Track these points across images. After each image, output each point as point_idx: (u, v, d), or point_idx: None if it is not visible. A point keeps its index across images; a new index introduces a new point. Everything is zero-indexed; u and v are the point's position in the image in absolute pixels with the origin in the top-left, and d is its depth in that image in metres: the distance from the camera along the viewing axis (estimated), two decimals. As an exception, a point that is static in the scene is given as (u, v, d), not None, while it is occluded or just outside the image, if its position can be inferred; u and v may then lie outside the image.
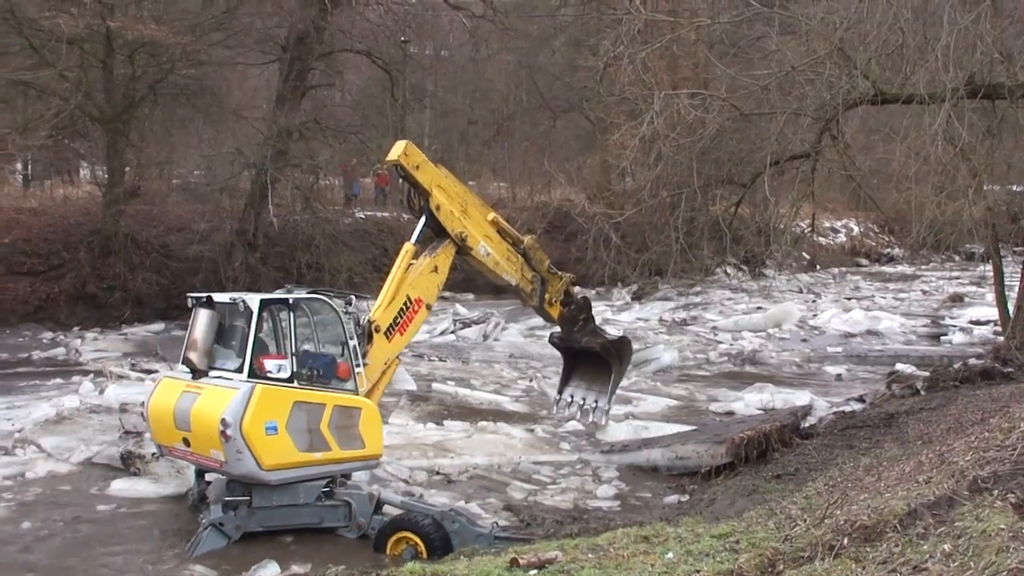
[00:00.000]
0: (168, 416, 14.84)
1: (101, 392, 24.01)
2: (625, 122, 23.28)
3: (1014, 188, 28.64)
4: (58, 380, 26.59)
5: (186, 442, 14.67)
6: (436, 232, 17.19)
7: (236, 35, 39.10)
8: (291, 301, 15.28)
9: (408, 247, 16.85)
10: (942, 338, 35.34)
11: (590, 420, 19.96)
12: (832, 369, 29.75)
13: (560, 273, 19.43)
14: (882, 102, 19.54)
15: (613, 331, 31.85)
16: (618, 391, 22.71)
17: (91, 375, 26.47)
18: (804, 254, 55.69)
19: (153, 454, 17.74)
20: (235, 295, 15.88)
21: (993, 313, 38.45)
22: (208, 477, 15.77)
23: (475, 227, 17.66)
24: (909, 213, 23.75)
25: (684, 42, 30.56)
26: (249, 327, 14.87)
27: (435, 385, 26.55)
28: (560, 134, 56.17)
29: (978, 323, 37.09)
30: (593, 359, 19.69)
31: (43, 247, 36.91)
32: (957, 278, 54.56)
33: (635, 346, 30.04)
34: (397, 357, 16.76)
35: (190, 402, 14.56)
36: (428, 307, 17.06)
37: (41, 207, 41.06)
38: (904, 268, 61.63)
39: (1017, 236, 28.47)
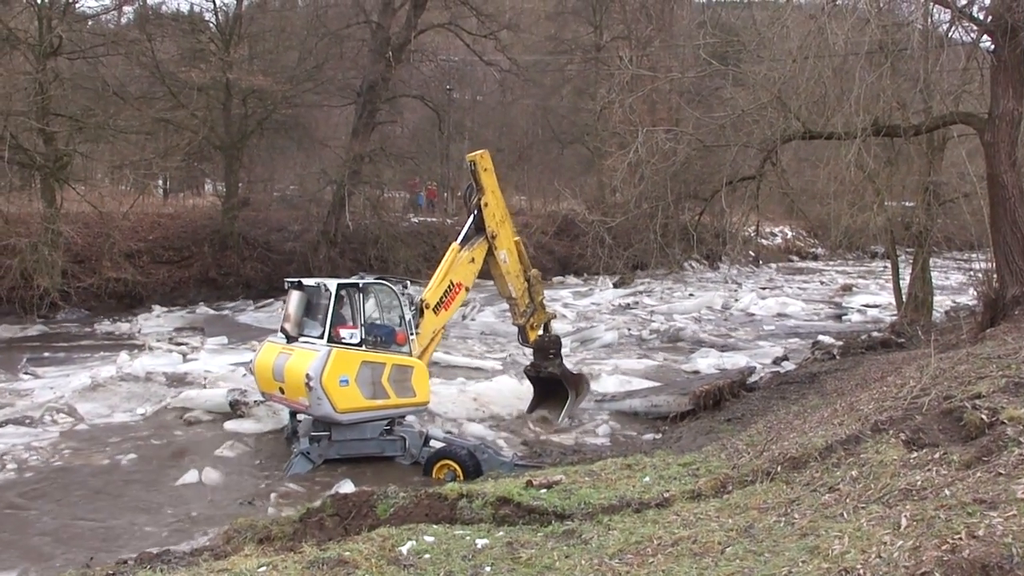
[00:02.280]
0: (269, 371, 15.28)
1: (132, 361, 22.66)
2: (616, 151, 23.16)
3: (907, 204, 28.54)
4: (105, 353, 24.92)
5: (281, 390, 15.10)
6: (477, 228, 17.29)
7: (323, 84, 39.25)
8: (360, 284, 15.47)
9: (454, 246, 17.01)
10: (843, 318, 35.00)
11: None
12: (754, 340, 29.32)
13: (548, 309, 19.57)
14: (810, 138, 19.46)
15: (570, 316, 31.93)
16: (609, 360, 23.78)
17: (136, 349, 25.18)
18: (751, 252, 55.40)
19: (256, 401, 17.91)
20: (319, 280, 16.08)
21: (877, 299, 39.13)
22: (299, 417, 15.97)
23: (505, 237, 17.77)
24: (829, 222, 23.66)
25: (661, 91, 30.47)
26: (329, 304, 15.05)
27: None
28: (567, 160, 56.11)
29: (868, 307, 37.11)
30: (557, 389, 19.05)
31: (177, 243, 37.14)
32: (849, 272, 53.86)
33: (582, 325, 30.03)
34: (443, 327, 16.91)
35: (284, 360, 14.96)
36: (467, 289, 17.19)
37: (176, 213, 41.31)
38: (812, 264, 61.11)
39: (909, 240, 28.32)
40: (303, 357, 14.70)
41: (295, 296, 15.32)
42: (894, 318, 31.07)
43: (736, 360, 24.15)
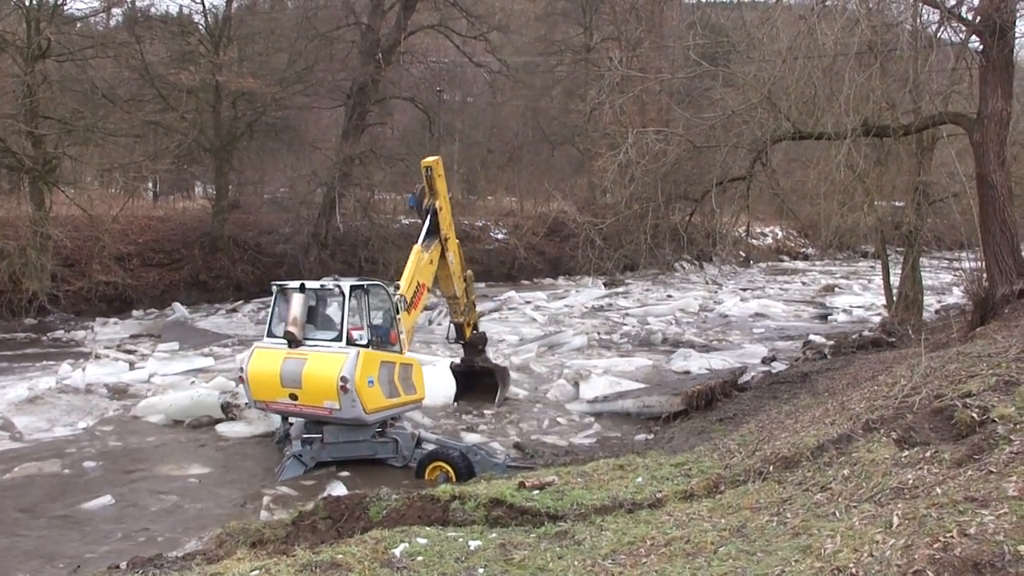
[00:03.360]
0: (273, 377, 14.80)
1: (83, 370, 21.81)
2: (606, 152, 23.21)
3: (897, 203, 28.59)
4: (48, 362, 23.53)
5: (292, 396, 14.69)
6: (429, 231, 17.90)
7: (312, 86, 39.24)
8: (365, 286, 15.51)
9: (417, 248, 17.40)
10: (828, 318, 34.62)
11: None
12: (727, 342, 28.94)
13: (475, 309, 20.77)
14: (800, 138, 19.50)
15: (540, 320, 31.65)
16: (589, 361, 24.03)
17: (82, 357, 24.01)
18: (741, 252, 55.54)
19: (247, 404, 17.90)
20: (325, 282, 16.09)
21: (860, 299, 38.74)
22: (290, 420, 15.92)
23: (452, 240, 18.71)
24: (820, 222, 23.76)
25: (651, 92, 30.51)
26: (343, 306, 15.07)
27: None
28: (557, 161, 56.07)
29: (853, 308, 36.51)
30: (480, 384, 20.29)
31: (167, 245, 37.10)
32: (832, 273, 53.51)
33: (551, 329, 29.85)
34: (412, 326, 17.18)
35: (298, 365, 14.63)
36: (428, 289, 17.85)
37: (166, 215, 41.32)
38: (797, 264, 60.79)
39: (899, 239, 28.38)
40: (326, 360, 14.61)
41: (298, 299, 15.19)
42: (877, 318, 31.24)
43: (711, 363, 24.03)
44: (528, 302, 37.59)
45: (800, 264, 60.81)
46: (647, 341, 28.74)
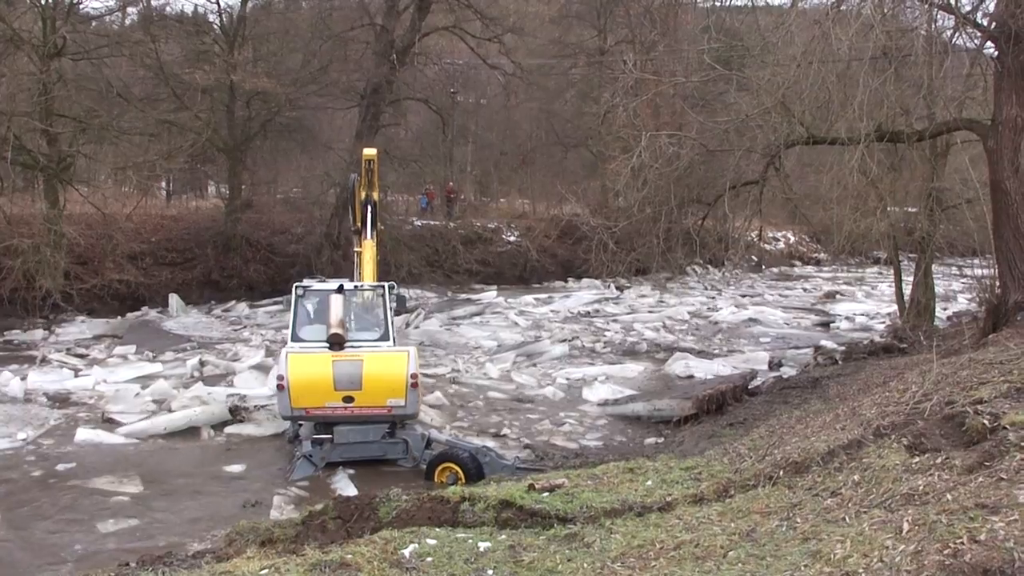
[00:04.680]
0: (322, 381, 14.71)
1: (23, 379, 20.80)
2: (619, 155, 23.22)
3: (910, 209, 28.51)
4: None
5: (347, 399, 14.68)
6: (373, 221, 18.10)
7: (327, 87, 39.17)
8: (389, 287, 15.66)
9: (368, 242, 17.54)
10: (831, 325, 33.65)
11: None
12: (713, 351, 27.74)
13: None
14: (813, 143, 19.50)
15: (522, 324, 31.62)
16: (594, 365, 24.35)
17: (27, 363, 23.22)
18: (753, 257, 55.39)
19: (256, 406, 17.94)
20: (361, 283, 16.23)
21: (862, 307, 38.15)
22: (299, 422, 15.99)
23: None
24: (832, 227, 23.69)
25: (665, 95, 30.43)
26: (385, 305, 15.22)
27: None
28: (570, 163, 55.95)
29: (856, 315, 35.72)
30: None
31: (180, 244, 37.13)
32: (839, 279, 52.64)
33: (532, 335, 29.19)
34: None
35: (355, 367, 14.71)
36: None
37: (179, 215, 41.35)
38: (800, 270, 59.62)
39: (912, 245, 28.31)
40: (387, 359, 14.87)
41: (338, 300, 15.26)
42: (882, 325, 31.10)
43: (706, 370, 23.69)
44: (510, 307, 36.52)
45: (809, 269, 60.35)
46: (631, 350, 27.74)
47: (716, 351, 27.52)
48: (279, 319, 31.02)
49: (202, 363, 23.24)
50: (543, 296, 40.70)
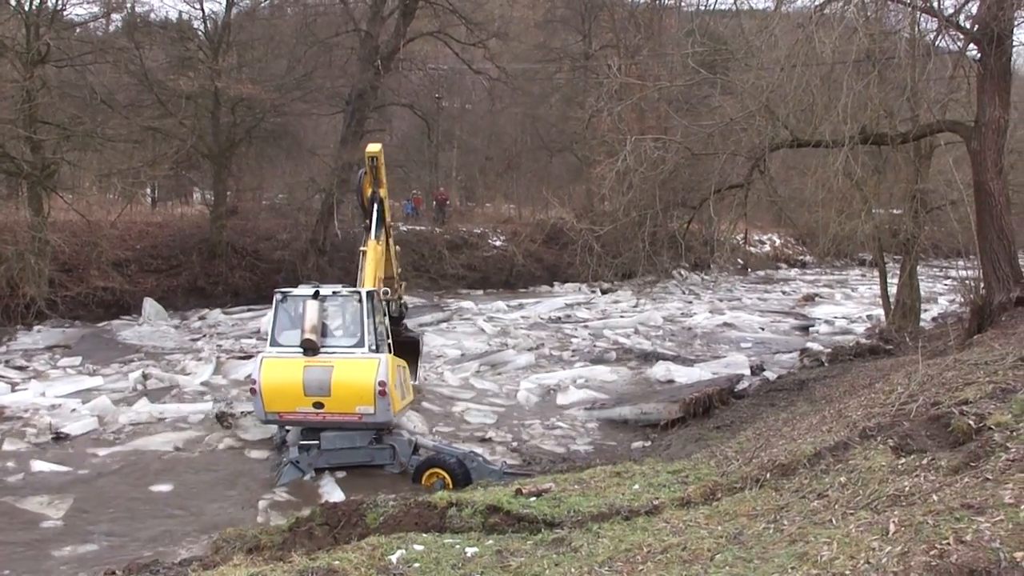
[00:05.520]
0: (292, 387, 14.72)
1: None
2: (604, 159, 23.30)
3: (895, 211, 28.61)
4: None
5: (317, 405, 14.66)
6: (379, 222, 17.93)
7: (311, 92, 39.09)
8: (369, 292, 15.56)
9: (372, 243, 17.25)
10: (810, 329, 33.03)
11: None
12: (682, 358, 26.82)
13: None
14: (798, 146, 19.54)
15: (491, 328, 31.17)
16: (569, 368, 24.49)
17: None
18: (739, 260, 55.53)
19: (242, 412, 17.89)
20: (337, 287, 16.09)
21: (842, 309, 37.89)
22: (287, 427, 15.96)
23: (389, 224, 18.80)
24: (817, 229, 23.80)
25: (649, 99, 30.49)
26: (362, 311, 15.15)
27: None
28: (555, 168, 56.01)
29: (835, 318, 35.12)
30: (403, 350, 19.53)
31: (165, 252, 36.98)
32: (819, 281, 52.25)
33: (498, 342, 28.89)
34: None
35: (325, 373, 14.67)
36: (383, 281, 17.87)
37: (164, 221, 41.14)
38: (782, 273, 59.08)
39: (897, 247, 28.41)
40: (357, 366, 14.75)
41: (313, 305, 15.20)
42: (862, 328, 31.12)
43: (680, 374, 23.47)
44: (479, 314, 35.82)
45: (792, 272, 60.30)
46: (600, 358, 26.88)
47: (694, 356, 27.06)
48: (241, 328, 30.79)
49: (145, 376, 22.28)
50: (515, 303, 39.80)
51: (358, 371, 14.59)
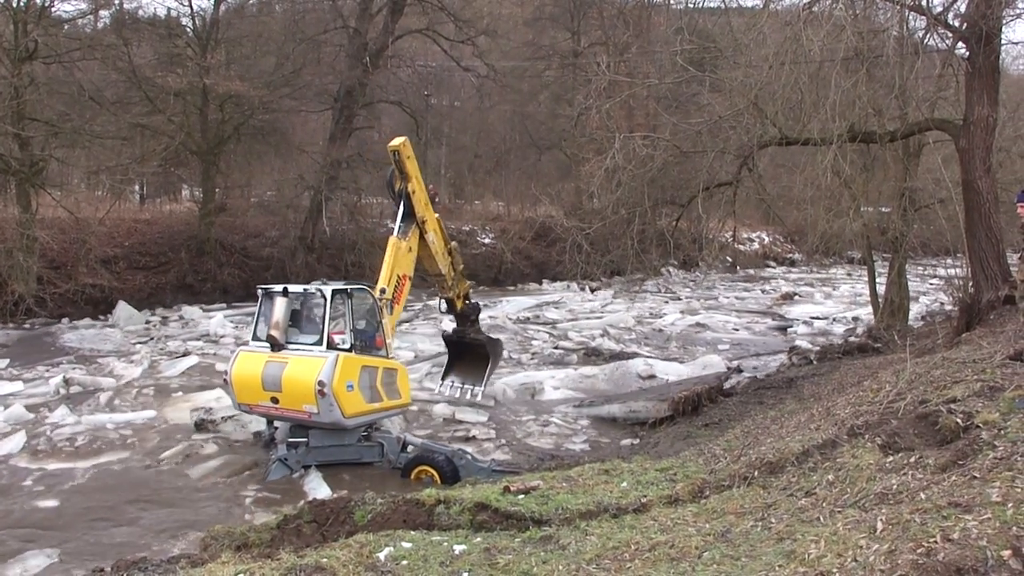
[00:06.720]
0: (255, 381, 14.89)
1: None
2: (593, 157, 23.31)
3: (883, 209, 28.65)
4: None
5: (274, 400, 14.77)
6: (405, 215, 17.23)
7: (300, 89, 39.14)
8: (348, 290, 15.45)
9: (393, 239, 16.89)
10: (788, 330, 32.52)
11: (467, 399, 19.79)
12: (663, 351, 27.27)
13: (465, 279, 20.07)
14: (786, 144, 19.58)
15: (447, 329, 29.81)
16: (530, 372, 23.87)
17: None
18: (727, 258, 55.61)
19: (223, 417, 17.85)
20: (308, 286, 16.04)
21: (820, 309, 37.70)
22: (276, 424, 15.96)
23: (430, 219, 17.83)
24: (806, 227, 23.81)
25: (638, 97, 30.61)
26: (324, 310, 15.06)
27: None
28: (544, 166, 56.12)
29: (813, 318, 34.69)
30: (471, 353, 20.01)
31: (154, 248, 36.94)
32: (801, 280, 52.17)
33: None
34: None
35: (278, 369, 14.72)
36: (410, 279, 17.16)
37: (153, 218, 41.09)
38: (763, 272, 58.85)
39: (885, 245, 28.46)
40: (305, 364, 14.64)
41: (281, 303, 15.21)
42: (841, 329, 31.13)
43: (674, 368, 23.24)
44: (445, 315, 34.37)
45: (777, 270, 60.23)
46: (560, 361, 26.07)
47: (666, 359, 26.04)
48: (190, 329, 30.54)
49: (67, 381, 21.42)
50: (487, 301, 37.27)
51: (304, 369, 14.53)
